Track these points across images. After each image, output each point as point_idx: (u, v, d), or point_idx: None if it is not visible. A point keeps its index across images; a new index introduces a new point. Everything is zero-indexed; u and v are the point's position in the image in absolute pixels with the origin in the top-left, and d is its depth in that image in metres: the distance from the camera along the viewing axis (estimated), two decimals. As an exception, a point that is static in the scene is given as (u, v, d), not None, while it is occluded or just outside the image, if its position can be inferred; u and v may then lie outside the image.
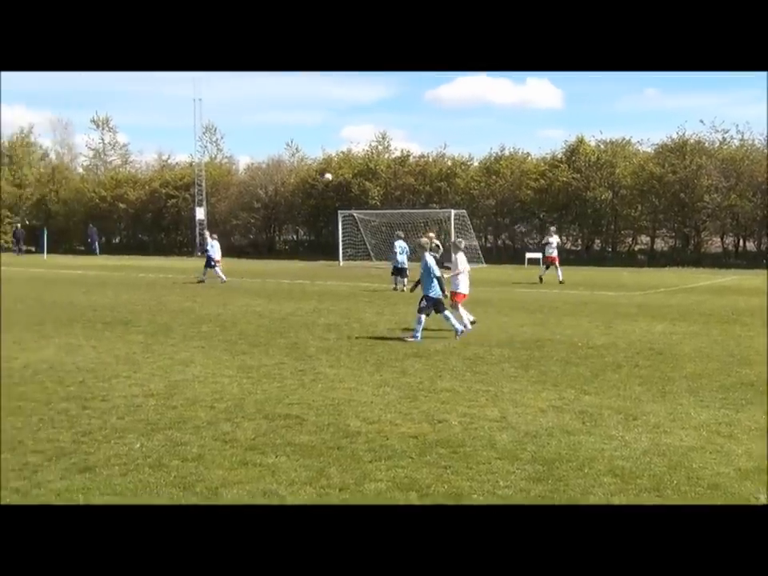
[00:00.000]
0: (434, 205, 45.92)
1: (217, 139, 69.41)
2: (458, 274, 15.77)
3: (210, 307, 20.61)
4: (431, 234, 21.21)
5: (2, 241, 60.99)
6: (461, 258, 15.92)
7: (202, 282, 28.51)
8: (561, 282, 27.81)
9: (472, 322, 15.67)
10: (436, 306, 14.78)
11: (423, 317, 14.67)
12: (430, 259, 14.86)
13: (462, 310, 15.60)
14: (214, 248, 29.66)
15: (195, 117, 58.23)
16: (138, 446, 7.88)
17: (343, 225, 44.07)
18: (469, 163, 49.17)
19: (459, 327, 14.76)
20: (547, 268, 29.42)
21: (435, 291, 14.71)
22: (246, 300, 22.52)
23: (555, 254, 29.67)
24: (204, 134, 65.07)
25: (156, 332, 15.92)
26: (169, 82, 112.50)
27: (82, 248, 57.53)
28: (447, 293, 15.11)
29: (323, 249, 48.70)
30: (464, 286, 15.81)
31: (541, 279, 28.31)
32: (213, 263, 29.35)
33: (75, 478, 6.93)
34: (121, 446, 7.87)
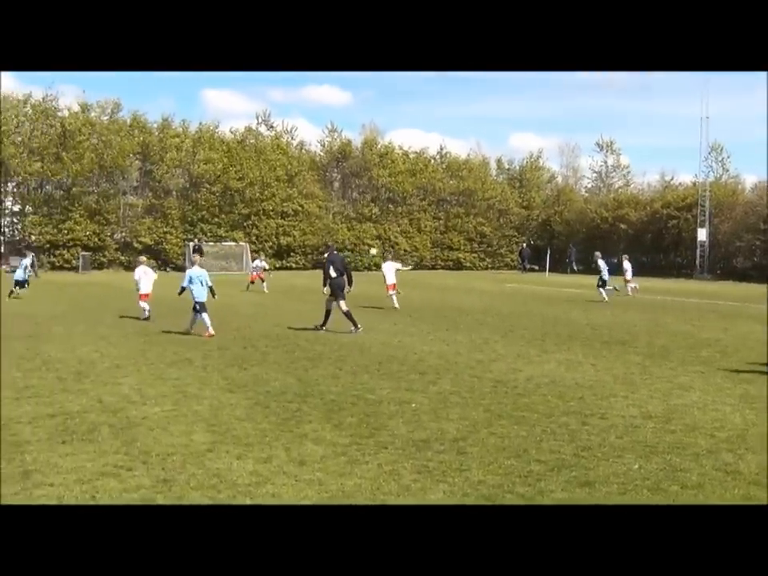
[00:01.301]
0: None
1: (723, 158, 67.06)
2: None
3: (710, 331, 19.94)
4: None
5: (509, 259, 65.30)
6: None
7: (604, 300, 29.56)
8: None
9: None
10: None
11: None
12: None
13: None
14: (603, 269, 30.87)
15: (701, 136, 56.92)
16: (637, 466, 7.92)
17: None
18: None
19: None
20: None
21: None
22: (749, 326, 21.37)
23: None
24: (710, 153, 63.25)
25: (653, 354, 15.83)
26: (674, 103, 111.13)
27: (580, 267, 58.98)
28: None
29: (840, 274, 44.31)
30: None
31: None
32: (601, 282, 30.58)
33: (575, 491, 7.18)
34: (619, 465, 7.98)
